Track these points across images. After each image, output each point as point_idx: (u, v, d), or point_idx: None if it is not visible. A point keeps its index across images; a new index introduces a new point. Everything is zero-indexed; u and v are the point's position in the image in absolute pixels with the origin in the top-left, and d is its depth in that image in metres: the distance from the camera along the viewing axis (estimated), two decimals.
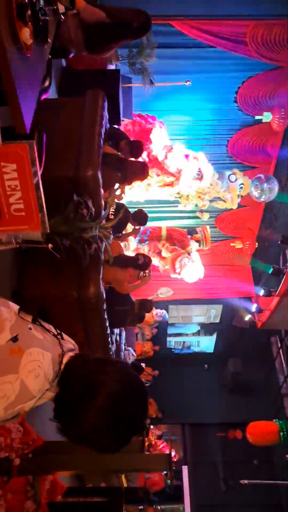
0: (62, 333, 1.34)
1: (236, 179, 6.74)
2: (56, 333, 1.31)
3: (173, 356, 11.40)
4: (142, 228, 6.10)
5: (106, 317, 3.78)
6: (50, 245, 1.98)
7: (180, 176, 6.42)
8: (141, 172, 4.17)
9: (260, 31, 6.17)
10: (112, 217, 4.01)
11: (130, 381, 1.21)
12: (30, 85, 1.93)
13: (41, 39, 1.99)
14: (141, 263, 4.79)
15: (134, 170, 3.95)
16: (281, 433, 8.01)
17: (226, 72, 6.78)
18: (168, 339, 10.96)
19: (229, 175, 6.82)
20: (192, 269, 7.07)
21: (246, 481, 8.76)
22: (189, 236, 6.77)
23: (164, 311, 7.37)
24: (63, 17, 2.44)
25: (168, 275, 7.65)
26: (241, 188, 6.80)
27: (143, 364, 9.52)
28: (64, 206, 3.09)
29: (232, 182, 6.68)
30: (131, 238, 5.87)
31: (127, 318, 4.56)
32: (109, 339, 4.05)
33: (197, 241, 6.69)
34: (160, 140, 6.33)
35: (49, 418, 1.20)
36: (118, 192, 4.11)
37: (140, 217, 5.71)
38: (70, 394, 1.18)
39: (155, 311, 7.30)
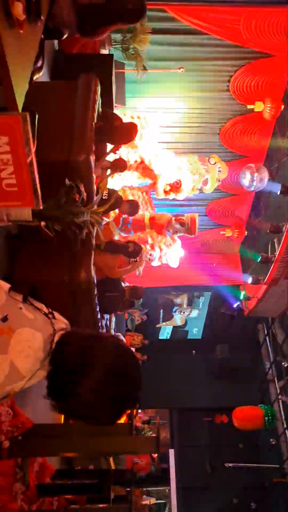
0: (54, 312, 1.31)
1: (215, 162, 6.79)
2: (47, 312, 1.29)
3: (161, 342, 11.49)
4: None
5: (97, 302, 3.80)
6: (42, 223, 1.92)
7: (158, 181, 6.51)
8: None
9: (254, 19, 6.11)
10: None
11: (123, 354, 1.21)
12: (23, 63, 1.88)
13: (34, 16, 1.93)
14: (131, 251, 4.79)
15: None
16: (266, 418, 8.18)
17: (219, 60, 6.72)
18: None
19: (208, 158, 6.88)
20: (172, 252, 6.97)
21: (231, 464, 8.98)
22: (173, 219, 6.66)
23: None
24: None
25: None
26: (219, 171, 6.84)
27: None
28: (56, 190, 3.07)
29: (211, 164, 6.74)
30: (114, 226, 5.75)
31: (118, 304, 4.59)
32: (99, 324, 4.08)
33: (182, 224, 6.58)
34: (150, 142, 6.33)
35: (43, 395, 1.20)
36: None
37: (131, 207, 5.70)
38: (64, 370, 1.17)
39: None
